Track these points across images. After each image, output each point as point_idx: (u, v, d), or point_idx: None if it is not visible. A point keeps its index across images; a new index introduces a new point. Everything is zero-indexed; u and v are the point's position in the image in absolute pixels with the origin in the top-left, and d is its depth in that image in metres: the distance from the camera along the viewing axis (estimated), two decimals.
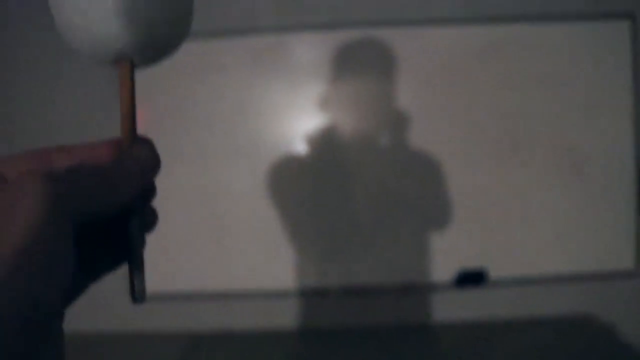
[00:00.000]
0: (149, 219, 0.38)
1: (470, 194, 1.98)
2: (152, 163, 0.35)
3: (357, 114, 2.00)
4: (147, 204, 0.38)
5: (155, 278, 2.01)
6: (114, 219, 0.35)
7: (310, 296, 2.02)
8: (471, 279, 1.99)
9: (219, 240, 2.02)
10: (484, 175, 1.99)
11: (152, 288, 1.82)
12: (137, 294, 0.36)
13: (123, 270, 0.37)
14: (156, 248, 1.99)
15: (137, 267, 0.36)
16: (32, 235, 0.25)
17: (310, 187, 2.01)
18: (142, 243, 0.36)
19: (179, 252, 2.00)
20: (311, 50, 1.99)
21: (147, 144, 0.36)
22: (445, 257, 1.99)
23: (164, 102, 2.00)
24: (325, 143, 2.01)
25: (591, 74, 1.99)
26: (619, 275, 1.99)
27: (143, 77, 1.91)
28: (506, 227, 1.99)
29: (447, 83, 1.98)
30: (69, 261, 0.27)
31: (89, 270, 0.35)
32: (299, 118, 2.00)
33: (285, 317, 2.03)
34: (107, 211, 0.31)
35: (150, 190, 0.38)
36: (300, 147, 2.01)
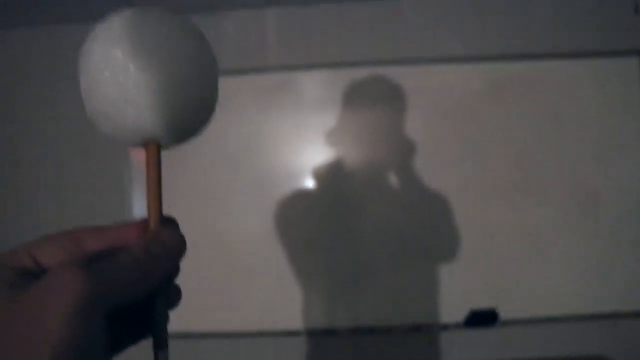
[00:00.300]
0: (173, 297, 0.39)
1: (481, 233, 1.96)
2: (179, 247, 0.37)
3: (366, 151, 2.00)
4: (172, 282, 0.39)
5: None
6: None
7: (319, 336, 1.99)
8: (482, 319, 1.95)
9: (227, 280, 2.01)
10: (494, 213, 1.97)
11: None
12: None
13: None
14: None
15: (161, 342, 0.36)
16: (68, 331, 0.26)
17: (318, 225, 2.00)
18: (166, 320, 0.37)
19: (186, 292, 1.98)
20: (319, 87, 2.01)
21: (173, 226, 0.38)
22: (456, 297, 1.96)
23: None
24: (334, 180, 2.01)
25: (602, 111, 1.98)
26: (634, 317, 1.95)
27: None
28: (518, 267, 1.96)
29: (457, 120, 1.98)
30: (102, 348, 0.29)
31: (113, 344, 0.35)
32: (307, 155, 2.00)
33: (294, 357, 2.00)
34: (136, 298, 0.32)
35: (174, 270, 0.39)
36: (308, 185, 2.01)
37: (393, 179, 1.99)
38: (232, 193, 2.01)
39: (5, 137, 2.09)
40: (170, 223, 0.38)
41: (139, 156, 2.03)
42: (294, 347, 1.99)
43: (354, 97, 2.00)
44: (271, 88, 2.02)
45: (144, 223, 0.37)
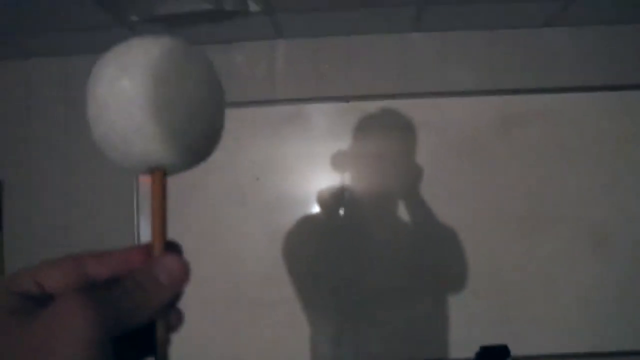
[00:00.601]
0: (175, 321, 0.38)
1: (492, 266, 1.94)
2: (183, 273, 0.36)
3: (374, 183, 2.00)
4: (174, 307, 0.38)
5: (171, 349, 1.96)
6: None
7: None
8: (493, 355, 1.90)
9: (234, 313, 1.99)
10: (504, 247, 1.95)
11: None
12: None
13: None
14: None
15: None
16: (77, 358, 0.27)
17: (325, 256, 1.99)
18: (167, 343, 0.37)
19: (192, 323, 1.96)
20: (328, 119, 2.02)
21: (177, 252, 0.38)
22: (466, 331, 1.92)
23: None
24: (343, 211, 2.00)
25: (613, 145, 1.98)
26: None
27: None
28: (529, 302, 1.93)
29: (467, 153, 1.98)
30: None
31: None
32: (315, 186, 2.00)
33: None
34: (140, 323, 0.33)
35: (177, 295, 0.38)
36: (316, 215, 2.00)
37: (402, 211, 1.98)
38: (240, 223, 2.01)
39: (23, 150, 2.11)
40: (174, 248, 0.38)
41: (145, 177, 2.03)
42: None
43: (364, 129, 2.00)
44: (280, 119, 2.03)
45: (148, 248, 0.37)
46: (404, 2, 1.85)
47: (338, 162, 1.99)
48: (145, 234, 2.02)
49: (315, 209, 2.00)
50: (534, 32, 2.03)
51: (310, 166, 2.00)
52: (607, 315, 1.92)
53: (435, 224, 1.95)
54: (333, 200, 2.00)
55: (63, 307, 0.28)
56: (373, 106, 2.00)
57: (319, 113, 2.03)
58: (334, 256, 1.99)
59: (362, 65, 2.05)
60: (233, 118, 2.10)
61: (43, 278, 0.32)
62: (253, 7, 1.86)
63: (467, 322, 1.92)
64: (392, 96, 2.00)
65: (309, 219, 1.99)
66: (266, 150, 2.02)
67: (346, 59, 2.06)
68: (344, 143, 2.00)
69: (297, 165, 2.01)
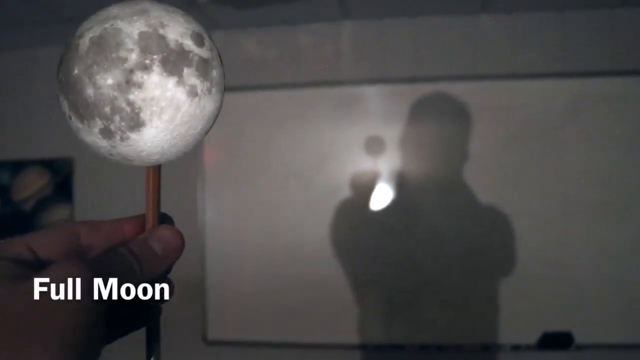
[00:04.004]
0: (168, 292, 0.38)
1: (558, 251, 1.91)
2: (177, 244, 0.36)
3: (440, 167, 1.99)
4: (166, 276, 0.38)
5: (226, 327, 2.03)
6: None
7: (380, 351, 1.97)
8: (556, 342, 1.89)
9: (291, 291, 2.02)
10: (573, 231, 1.91)
11: (226, 336, 1.83)
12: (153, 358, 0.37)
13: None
14: (228, 297, 2.01)
15: (155, 335, 0.37)
16: (73, 322, 0.27)
17: (383, 236, 2.00)
18: (159, 313, 0.38)
19: (249, 302, 2.01)
20: (394, 101, 2.01)
21: (170, 225, 0.38)
22: (528, 316, 1.90)
23: (246, 149, 2.05)
24: (401, 195, 2.00)
25: None
26: None
27: (226, 125, 1.93)
28: (597, 288, 1.89)
29: (536, 136, 1.94)
30: (101, 339, 0.30)
31: (107, 334, 0.35)
32: (379, 168, 2.00)
33: None
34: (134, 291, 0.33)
35: (170, 267, 0.38)
36: (376, 196, 2.00)
37: (465, 196, 1.96)
38: (304, 203, 2.03)
39: None
40: (167, 221, 0.39)
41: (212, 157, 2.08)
42: None
43: (430, 112, 1.99)
44: (346, 100, 2.03)
45: (141, 219, 0.37)
46: None
47: (402, 144, 1.99)
48: (209, 209, 2.06)
49: (376, 190, 2.00)
50: (608, 13, 1.96)
51: (374, 148, 2.00)
52: None
53: (499, 209, 1.93)
54: (396, 182, 2.00)
55: (60, 271, 0.28)
56: (440, 88, 1.98)
57: (385, 94, 2.02)
58: (395, 237, 1.99)
59: (428, 47, 2.03)
60: (299, 99, 2.12)
61: (35, 244, 0.32)
62: None
63: (529, 307, 1.90)
64: (459, 78, 1.98)
65: (369, 200, 2.00)
66: (331, 131, 2.03)
67: (413, 40, 2.04)
68: (409, 125, 1.99)
69: (361, 147, 2.01)
